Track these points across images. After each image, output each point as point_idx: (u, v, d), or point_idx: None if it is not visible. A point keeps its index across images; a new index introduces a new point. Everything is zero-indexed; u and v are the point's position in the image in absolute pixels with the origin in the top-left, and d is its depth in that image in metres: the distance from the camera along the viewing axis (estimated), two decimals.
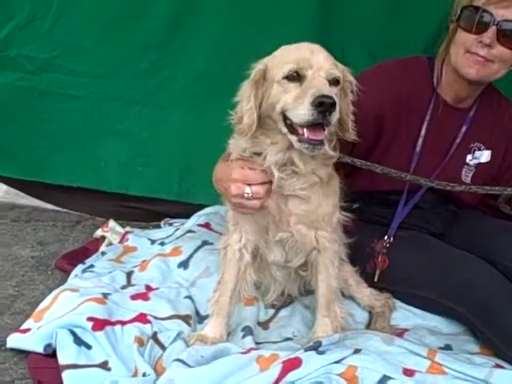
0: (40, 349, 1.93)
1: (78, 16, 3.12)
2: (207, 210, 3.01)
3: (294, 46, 1.83)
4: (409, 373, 1.86)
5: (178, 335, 2.05)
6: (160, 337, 2.03)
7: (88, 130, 3.26)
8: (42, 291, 2.44)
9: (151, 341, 2.00)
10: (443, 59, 2.32)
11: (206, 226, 2.86)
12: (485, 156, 2.42)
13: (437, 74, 2.36)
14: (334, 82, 1.76)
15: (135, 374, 1.86)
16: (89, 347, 1.93)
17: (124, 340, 1.99)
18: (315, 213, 1.97)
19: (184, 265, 2.52)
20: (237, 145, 1.94)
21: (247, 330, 2.10)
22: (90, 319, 1.98)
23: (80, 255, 2.73)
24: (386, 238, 2.35)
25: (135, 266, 2.57)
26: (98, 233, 3.00)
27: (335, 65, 1.79)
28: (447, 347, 2.15)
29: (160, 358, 1.95)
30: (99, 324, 1.98)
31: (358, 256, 2.35)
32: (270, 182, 1.90)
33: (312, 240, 2.01)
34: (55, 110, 3.23)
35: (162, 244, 2.74)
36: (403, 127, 2.35)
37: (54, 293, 2.21)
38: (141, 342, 1.97)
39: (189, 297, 2.31)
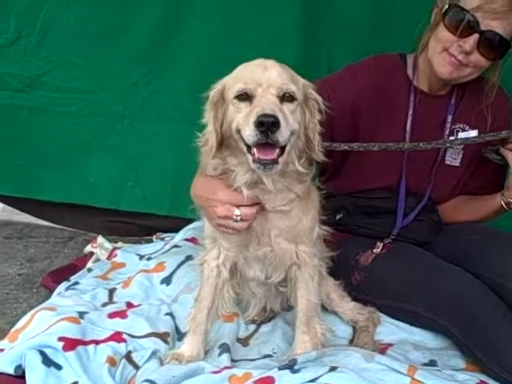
0: (11, 370, 1.89)
1: (64, 32, 3.15)
2: (195, 224, 2.95)
3: (250, 63, 1.79)
4: None
5: (153, 354, 2.00)
6: (134, 356, 1.98)
7: (77, 146, 3.28)
8: (24, 310, 2.42)
9: (124, 360, 1.95)
10: (422, 48, 2.29)
11: (193, 240, 2.83)
12: (472, 135, 2.35)
13: (413, 65, 2.34)
14: (288, 98, 1.71)
15: None
16: (59, 368, 1.88)
17: (97, 360, 1.94)
18: (296, 228, 1.93)
19: (167, 281, 2.48)
20: (209, 163, 1.90)
21: (224, 348, 2.05)
22: (61, 339, 1.94)
23: (67, 272, 2.71)
24: (371, 250, 2.31)
25: (120, 283, 2.54)
26: (88, 249, 2.99)
27: (292, 80, 1.73)
28: (432, 363, 2.09)
29: (133, 377, 1.91)
30: (70, 344, 1.94)
31: (342, 269, 2.31)
32: (258, 204, 1.86)
33: (292, 255, 1.97)
34: (44, 127, 3.25)
35: (149, 259, 2.70)
36: (384, 122, 2.32)
37: (31, 312, 2.18)
38: (113, 362, 1.93)
39: (169, 313, 2.27)
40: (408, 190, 2.36)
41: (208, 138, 1.81)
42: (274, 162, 1.65)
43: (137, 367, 1.95)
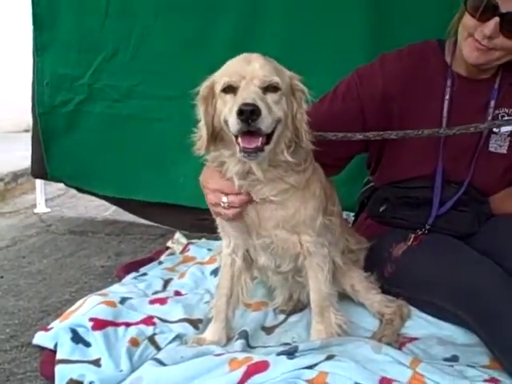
0: (51, 346, 2.13)
1: (153, 46, 3.42)
2: None
3: (236, 58, 1.85)
4: (385, 382, 1.76)
5: (178, 337, 2.12)
6: (157, 338, 2.11)
7: (168, 150, 3.52)
8: None
9: (146, 341, 2.09)
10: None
11: None
12: None
13: (450, 50, 2.26)
14: (272, 88, 1.75)
15: None
16: (88, 345, 2.07)
17: (124, 340, 2.10)
18: (294, 218, 1.95)
19: (215, 272, 2.60)
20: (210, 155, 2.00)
21: (241, 334, 2.11)
22: (91, 320, 2.14)
23: (141, 264, 2.92)
24: (404, 242, 2.24)
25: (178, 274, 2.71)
26: (169, 244, 3.20)
27: (275, 71, 1.78)
28: (454, 358, 1.98)
29: None
30: (99, 324, 2.12)
31: (377, 261, 2.29)
32: (247, 194, 1.93)
33: (296, 245, 1.99)
34: (139, 133, 3.55)
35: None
36: (419, 107, 2.26)
37: (87, 296, 2.42)
38: (135, 343, 2.07)
39: (209, 302, 2.38)
40: (448, 178, 2.27)
41: (201, 131, 1.90)
42: (259, 149, 1.71)
43: (159, 348, 2.07)
